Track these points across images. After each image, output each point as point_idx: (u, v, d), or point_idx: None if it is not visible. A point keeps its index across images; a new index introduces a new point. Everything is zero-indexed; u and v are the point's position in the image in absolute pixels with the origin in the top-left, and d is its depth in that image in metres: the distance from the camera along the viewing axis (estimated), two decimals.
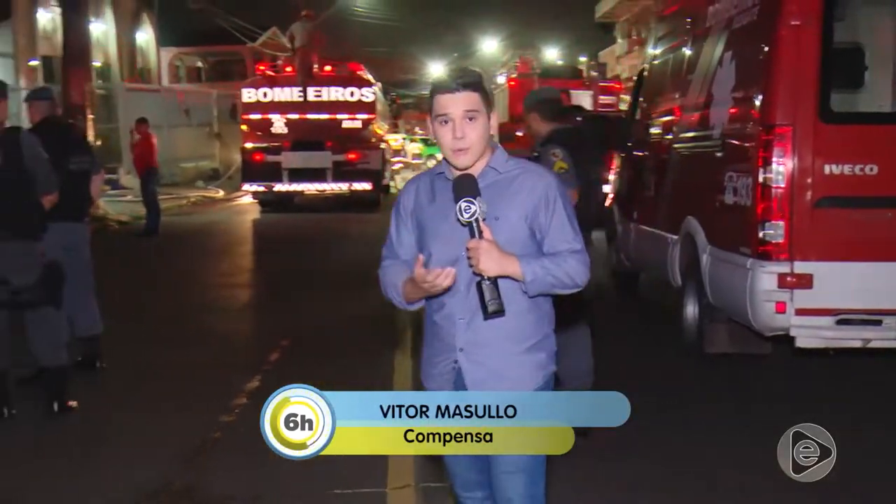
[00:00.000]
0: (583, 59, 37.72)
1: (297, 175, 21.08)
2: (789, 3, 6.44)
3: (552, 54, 46.12)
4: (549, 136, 5.98)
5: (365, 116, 21.52)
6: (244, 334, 9.00)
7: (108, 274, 12.80)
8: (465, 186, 2.99)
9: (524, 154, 4.66)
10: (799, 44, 6.39)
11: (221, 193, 26.62)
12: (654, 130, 9.31)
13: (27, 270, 6.06)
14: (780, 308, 6.38)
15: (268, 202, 21.91)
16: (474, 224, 2.95)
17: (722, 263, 7.03)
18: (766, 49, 6.58)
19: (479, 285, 2.97)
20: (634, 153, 9.94)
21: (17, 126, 6.05)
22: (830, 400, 6.66)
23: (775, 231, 6.40)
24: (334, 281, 11.74)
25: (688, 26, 8.55)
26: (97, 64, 35.39)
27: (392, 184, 26.27)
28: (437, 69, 55.16)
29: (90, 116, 20.42)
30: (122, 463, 5.53)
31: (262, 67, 23.09)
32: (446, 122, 3.03)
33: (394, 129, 24.04)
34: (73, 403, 6.39)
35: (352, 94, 21.35)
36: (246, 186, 22.10)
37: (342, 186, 21.16)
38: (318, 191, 21.85)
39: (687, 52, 8.44)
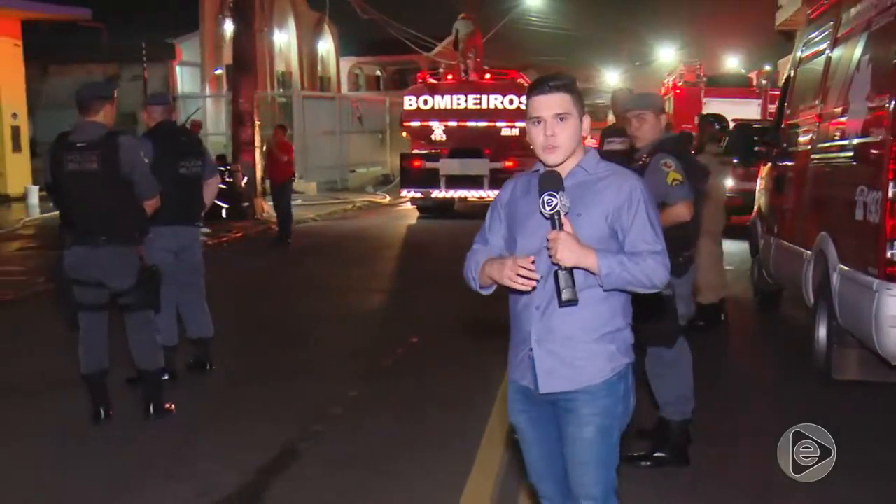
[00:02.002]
0: (767, 67, 36.47)
1: (455, 182, 21.12)
2: None
3: (733, 63, 44.74)
4: (658, 144, 5.63)
5: (524, 124, 21.20)
6: (361, 342, 8.91)
7: (247, 278, 13.17)
8: (550, 181, 3.16)
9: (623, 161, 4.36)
10: None
11: (387, 199, 27.00)
12: (794, 139, 8.75)
13: (124, 275, 6.09)
14: None
15: (426, 208, 22.02)
16: (555, 217, 3.11)
17: (850, 283, 6.50)
18: None
19: (555, 274, 3.11)
20: (777, 164, 9.39)
21: (118, 131, 6.10)
22: None
23: None
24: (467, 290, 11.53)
25: (831, 29, 7.98)
26: (279, 71, 36.70)
27: None
28: (613, 77, 54.40)
29: (257, 123, 20.93)
30: (203, 468, 5.52)
31: (423, 76, 23.18)
32: (538, 122, 3.23)
33: None
34: (171, 406, 6.42)
35: (511, 101, 21.14)
36: (404, 192, 22.32)
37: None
38: (478, 198, 21.78)
39: (828, 56, 7.88)
